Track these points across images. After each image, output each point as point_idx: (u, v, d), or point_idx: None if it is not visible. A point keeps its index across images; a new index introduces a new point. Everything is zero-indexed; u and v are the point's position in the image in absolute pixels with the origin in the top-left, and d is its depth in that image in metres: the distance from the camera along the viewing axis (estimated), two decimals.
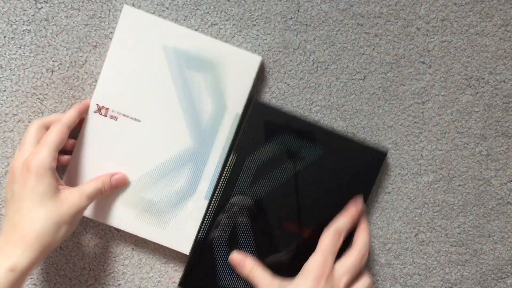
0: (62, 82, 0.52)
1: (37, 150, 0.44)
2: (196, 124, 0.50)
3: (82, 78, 0.52)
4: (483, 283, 0.55)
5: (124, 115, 0.50)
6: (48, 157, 0.43)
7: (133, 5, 0.52)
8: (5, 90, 0.52)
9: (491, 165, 0.54)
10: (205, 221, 0.50)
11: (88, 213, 0.51)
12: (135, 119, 0.50)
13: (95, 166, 0.50)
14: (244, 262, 0.49)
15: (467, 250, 0.55)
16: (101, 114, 0.50)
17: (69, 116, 0.47)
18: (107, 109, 0.50)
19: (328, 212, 0.49)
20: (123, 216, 0.51)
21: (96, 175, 0.50)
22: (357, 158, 0.50)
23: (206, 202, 0.51)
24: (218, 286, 0.50)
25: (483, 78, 0.53)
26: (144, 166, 0.50)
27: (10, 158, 0.53)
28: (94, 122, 0.50)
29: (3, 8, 0.52)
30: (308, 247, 0.48)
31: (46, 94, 0.52)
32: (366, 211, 0.53)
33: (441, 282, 0.55)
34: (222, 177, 0.50)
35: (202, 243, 0.50)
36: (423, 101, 0.53)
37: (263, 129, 0.50)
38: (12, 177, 0.44)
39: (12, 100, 0.52)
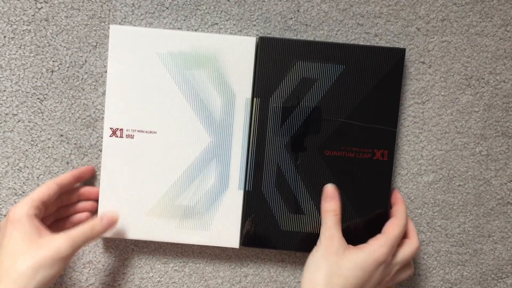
0: (62, 82, 0.52)
1: (18, 203, 0.46)
2: (210, 119, 0.50)
3: (82, 78, 0.52)
4: (483, 283, 0.55)
5: (139, 131, 0.50)
6: (24, 205, 0.45)
7: (133, 5, 0.52)
8: (5, 90, 0.52)
9: (491, 165, 0.54)
10: (248, 172, 0.50)
11: (131, 235, 0.51)
12: (151, 132, 0.50)
13: (125, 189, 0.50)
14: (336, 200, 0.48)
15: (467, 250, 0.55)
16: (116, 137, 0.50)
17: (63, 176, 0.49)
18: (121, 130, 0.50)
19: (364, 124, 0.49)
20: (164, 228, 0.51)
21: (128, 198, 0.50)
22: (378, 62, 0.49)
23: (241, 192, 0.51)
24: (281, 231, 0.50)
25: (483, 78, 0.53)
26: (171, 175, 0.50)
27: (10, 158, 0.53)
28: (111, 146, 0.50)
29: (3, 8, 0.52)
30: (354, 167, 0.49)
31: (46, 94, 0.52)
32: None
33: (441, 282, 0.55)
34: (252, 124, 0.50)
35: (251, 194, 0.50)
36: (423, 101, 0.53)
37: (277, 63, 0.49)
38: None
39: (12, 100, 0.52)
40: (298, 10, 0.52)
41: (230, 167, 0.51)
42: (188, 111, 0.50)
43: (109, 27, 0.51)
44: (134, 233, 0.51)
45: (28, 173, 0.53)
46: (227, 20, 0.52)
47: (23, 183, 0.53)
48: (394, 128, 0.50)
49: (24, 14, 0.52)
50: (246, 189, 0.50)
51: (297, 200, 0.50)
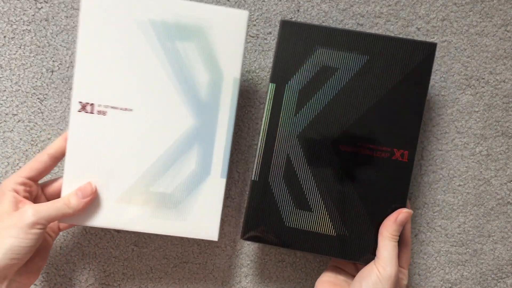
0: (62, 82, 0.52)
1: (10, 176, 0.46)
2: (193, 99, 0.46)
3: None
4: (483, 283, 0.55)
5: (112, 107, 0.45)
6: (11, 180, 0.45)
7: None
8: (5, 90, 0.52)
9: (491, 165, 0.54)
10: (256, 162, 0.47)
11: (100, 222, 0.46)
12: (126, 109, 0.45)
13: (93, 172, 0.45)
14: (402, 227, 0.45)
15: (467, 250, 0.55)
16: (86, 112, 0.45)
17: (53, 144, 0.46)
18: (92, 105, 0.45)
19: (384, 120, 0.47)
20: (137, 217, 0.46)
21: (96, 181, 0.45)
22: (405, 57, 0.46)
23: (223, 181, 0.47)
24: (285, 227, 0.47)
25: (483, 78, 0.53)
26: (146, 158, 0.46)
27: (10, 158, 0.53)
28: (80, 122, 0.45)
29: (3, 8, 0.52)
30: (370, 166, 0.46)
31: (46, 94, 0.52)
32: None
33: (441, 282, 0.55)
34: (265, 111, 0.47)
35: (258, 185, 0.47)
36: None
37: (297, 49, 0.47)
38: None
39: (12, 100, 0.52)
40: (298, 10, 0.52)
41: (212, 153, 0.46)
42: (170, 89, 0.45)
43: None
44: (101, 221, 0.46)
45: None
46: None
47: None
48: (417, 128, 0.46)
49: (24, 14, 0.52)
50: (253, 180, 0.47)
51: (305, 195, 0.47)
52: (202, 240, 0.54)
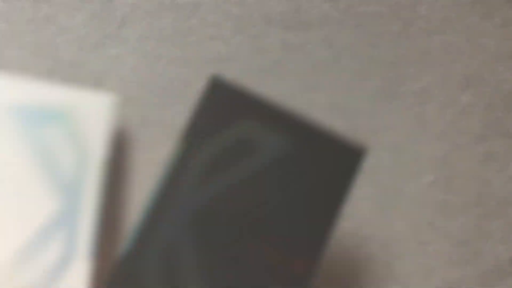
0: (62, 82, 0.52)
1: None
2: (57, 182, 0.41)
3: (82, 78, 0.52)
4: (483, 283, 0.55)
5: None
6: None
7: (133, 5, 0.52)
8: None
9: (491, 165, 0.54)
10: (132, 236, 0.37)
11: None
12: None
13: None
14: None
15: (467, 250, 0.55)
16: None
17: None
18: None
19: (291, 223, 0.38)
20: None
21: None
22: (330, 158, 0.39)
23: (89, 263, 0.40)
24: None
25: (483, 78, 0.53)
26: (3, 251, 0.39)
27: None
28: None
29: (3, 8, 0.52)
30: (265, 273, 0.37)
31: None
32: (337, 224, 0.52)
33: (441, 282, 0.55)
34: (164, 173, 0.38)
35: (123, 271, 0.36)
36: (423, 101, 0.53)
37: (221, 112, 0.39)
38: None
39: None
40: (298, 10, 0.52)
41: (78, 236, 0.41)
42: (29, 175, 0.41)
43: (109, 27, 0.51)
44: None
45: None
46: (227, 20, 0.52)
47: None
48: (323, 238, 0.38)
49: (24, 14, 0.52)
50: (119, 264, 0.36)
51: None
52: None
